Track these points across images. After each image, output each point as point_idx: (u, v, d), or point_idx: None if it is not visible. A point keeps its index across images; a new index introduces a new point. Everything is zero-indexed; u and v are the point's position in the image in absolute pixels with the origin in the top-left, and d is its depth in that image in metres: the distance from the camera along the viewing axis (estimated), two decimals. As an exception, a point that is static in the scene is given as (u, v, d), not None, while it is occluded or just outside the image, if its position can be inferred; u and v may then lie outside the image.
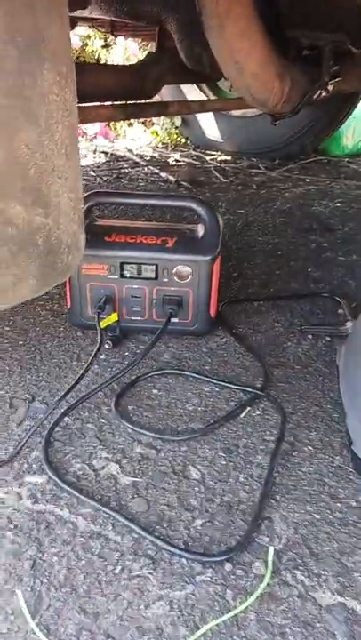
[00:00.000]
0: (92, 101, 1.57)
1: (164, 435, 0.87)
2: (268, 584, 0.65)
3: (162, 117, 3.08)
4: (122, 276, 1.06)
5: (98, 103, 1.62)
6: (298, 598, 0.64)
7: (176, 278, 1.05)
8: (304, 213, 1.97)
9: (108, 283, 1.07)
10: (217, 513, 0.74)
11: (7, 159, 0.60)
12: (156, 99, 1.77)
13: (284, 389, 0.98)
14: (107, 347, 1.08)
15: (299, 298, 1.32)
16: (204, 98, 2.68)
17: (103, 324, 1.06)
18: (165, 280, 1.05)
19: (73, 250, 0.71)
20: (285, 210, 2.01)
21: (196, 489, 0.78)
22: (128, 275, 1.06)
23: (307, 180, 2.42)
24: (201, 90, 2.74)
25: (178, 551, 0.67)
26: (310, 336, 1.15)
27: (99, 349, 0.98)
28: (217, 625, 0.60)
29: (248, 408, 0.93)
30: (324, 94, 1.43)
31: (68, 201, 0.68)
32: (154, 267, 1.05)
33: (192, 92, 2.72)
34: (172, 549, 0.68)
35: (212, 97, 2.73)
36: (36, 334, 1.14)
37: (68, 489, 0.76)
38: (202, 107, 1.87)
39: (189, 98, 2.65)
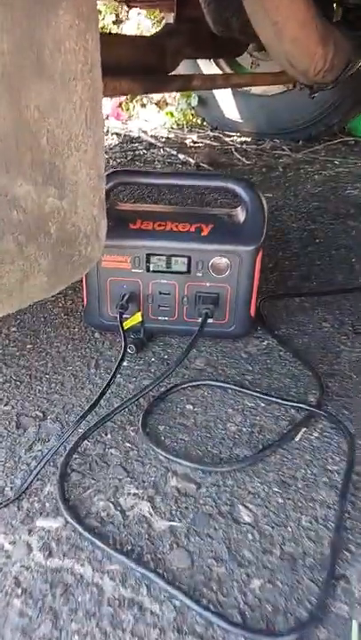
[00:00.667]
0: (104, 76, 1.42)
1: (204, 464, 0.71)
2: (354, 675, 0.50)
3: (177, 98, 2.92)
4: (148, 269, 0.91)
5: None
6: None
7: (212, 272, 0.89)
8: (338, 197, 1.80)
9: (132, 277, 0.92)
10: (278, 569, 0.59)
11: (13, 124, 0.45)
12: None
13: (343, 405, 0.82)
14: (129, 351, 0.93)
15: (346, 292, 1.16)
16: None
17: (126, 326, 0.91)
18: (199, 274, 0.90)
19: (92, 239, 0.58)
20: (317, 193, 1.84)
21: (250, 536, 0.62)
22: (155, 268, 0.91)
23: (336, 162, 2.24)
24: (219, 67, 2.57)
25: (234, 629, 0.52)
26: (366, 338, 0.99)
27: (123, 357, 0.83)
28: None
29: (304, 429, 0.78)
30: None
31: (87, 179, 0.54)
32: (186, 259, 0.89)
33: (209, 70, 2.55)
34: (227, 626, 0.53)
35: (231, 74, 2.57)
36: (48, 336, 0.99)
37: (91, 538, 0.61)
38: (227, 81, 1.71)
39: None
